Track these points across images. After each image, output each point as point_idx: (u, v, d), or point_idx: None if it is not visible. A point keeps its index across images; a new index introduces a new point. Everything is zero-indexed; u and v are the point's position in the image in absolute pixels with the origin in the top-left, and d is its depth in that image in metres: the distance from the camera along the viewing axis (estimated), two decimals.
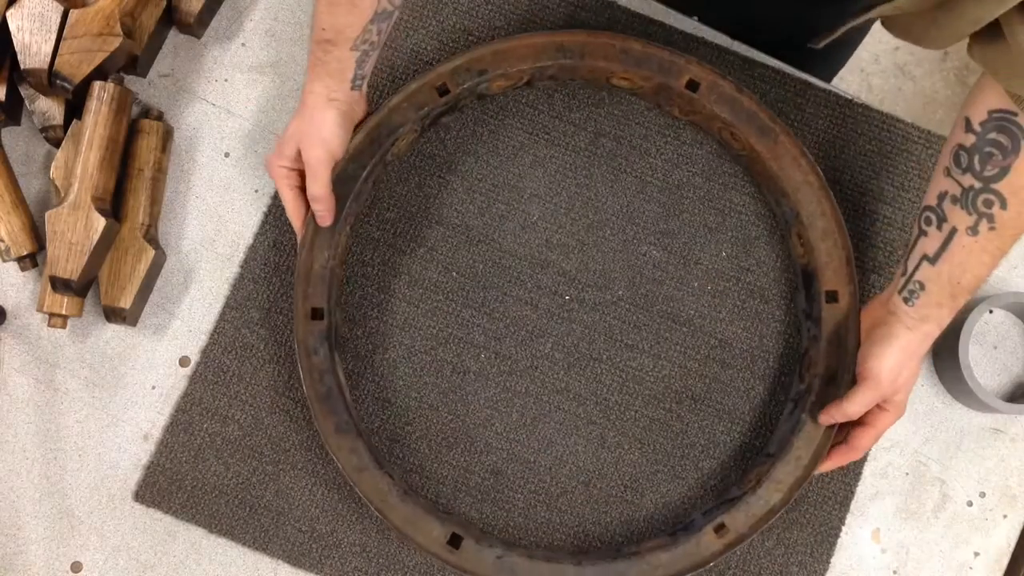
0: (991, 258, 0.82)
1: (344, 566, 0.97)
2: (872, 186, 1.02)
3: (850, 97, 1.03)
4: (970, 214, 0.79)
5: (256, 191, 1.01)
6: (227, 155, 1.02)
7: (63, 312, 0.94)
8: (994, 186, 0.77)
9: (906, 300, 0.87)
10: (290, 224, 0.99)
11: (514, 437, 0.99)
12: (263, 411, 0.98)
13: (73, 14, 0.93)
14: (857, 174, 1.02)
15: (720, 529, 0.93)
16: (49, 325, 0.95)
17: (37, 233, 0.98)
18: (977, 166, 0.78)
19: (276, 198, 1.01)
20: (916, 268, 0.85)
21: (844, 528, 0.99)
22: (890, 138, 1.03)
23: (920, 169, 1.03)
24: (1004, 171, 0.76)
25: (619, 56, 0.96)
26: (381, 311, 1.01)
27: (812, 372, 0.95)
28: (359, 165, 0.95)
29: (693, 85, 0.96)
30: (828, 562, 0.99)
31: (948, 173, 0.81)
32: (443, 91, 0.95)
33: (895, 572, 1.00)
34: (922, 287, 0.85)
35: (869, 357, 0.90)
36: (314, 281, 0.93)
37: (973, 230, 0.80)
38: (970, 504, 1.00)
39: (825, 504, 0.99)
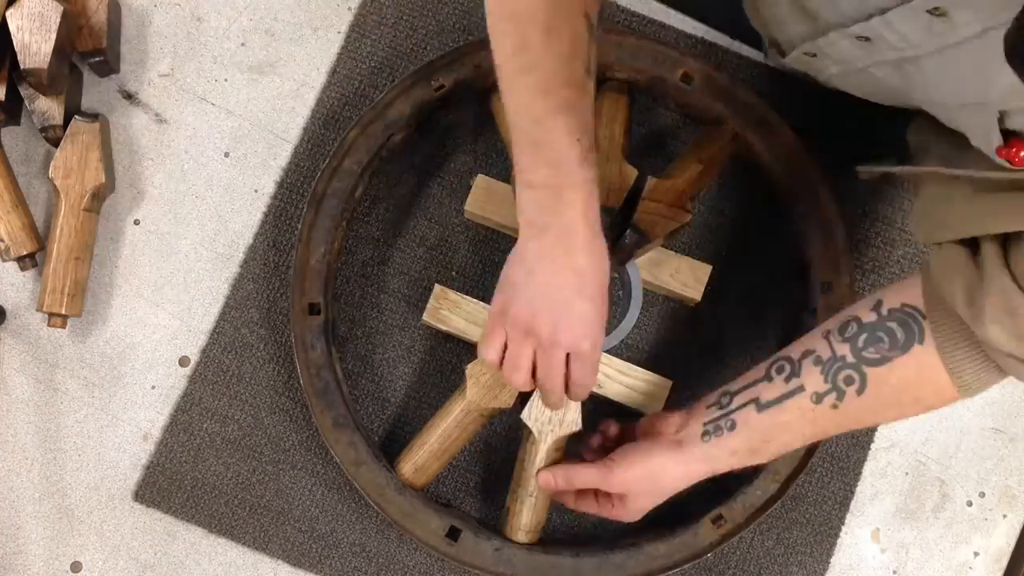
0: (811, 433, 0.79)
1: (344, 566, 0.97)
2: (872, 186, 1.02)
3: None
4: (826, 382, 0.76)
5: (256, 191, 1.01)
6: (227, 155, 1.02)
7: (62, 312, 0.94)
8: (865, 368, 0.74)
9: (705, 435, 0.81)
10: (290, 223, 0.99)
11: (513, 436, 0.99)
12: (263, 411, 0.98)
13: (652, 182, 0.90)
14: (857, 174, 1.02)
15: (717, 520, 0.93)
16: (49, 325, 0.95)
17: (37, 233, 0.98)
18: (860, 343, 0.74)
19: (276, 198, 1.01)
20: (739, 408, 0.80)
21: (844, 528, 0.99)
22: None
23: None
24: (882, 361, 0.73)
25: (614, 49, 0.96)
26: (379, 310, 1.01)
27: None
28: (355, 161, 0.95)
29: (688, 78, 0.96)
30: (828, 562, 0.99)
31: (826, 336, 0.77)
32: (438, 86, 0.95)
33: (895, 572, 1.00)
34: (732, 427, 0.80)
35: (620, 456, 0.83)
36: (311, 276, 0.94)
37: (818, 398, 0.76)
38: (970, 504, 1.00)
39: (825, 504, 0.99)
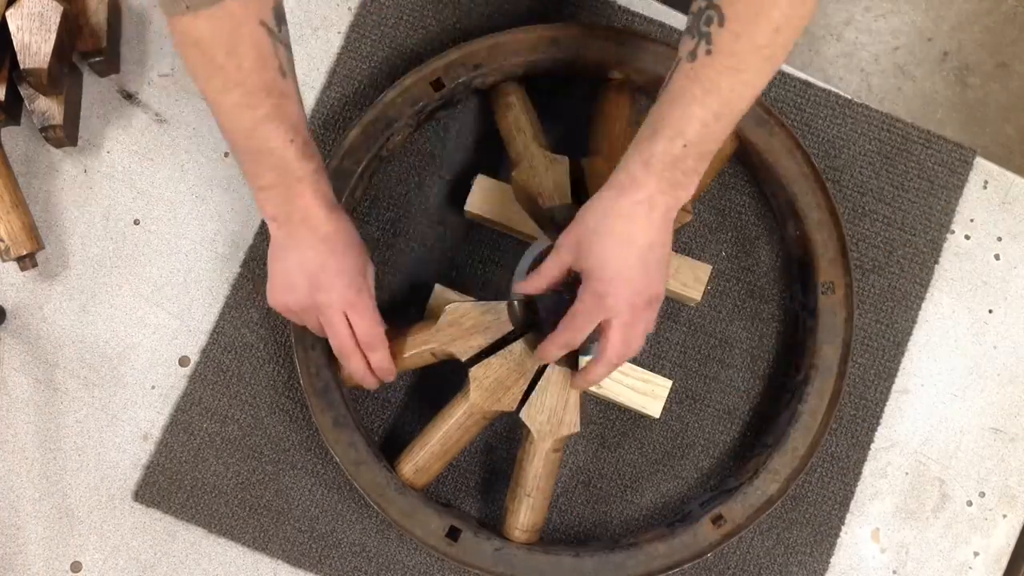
0: (703, 92, 0.73)
1: (344, 565, 0.97)
2: (872, 186, 1.02)
3: (850, 97, 1.03)
4: (692, 37, 0.73)
5: None
6: (227, 155, 1.02)
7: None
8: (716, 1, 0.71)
9: (640, 162, 0.77)
10: None
11: (513, 436, 0.99)
12: (263, 411, 0.98)
13: None
14: (857, 174, 1.02)
15: (718, 520, 0.93)
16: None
17: (37, 233, 0.98)
18: None
19: None
20: (647, 119, 0.78)
21: (844, 528, 0.99)
22: (890, 138, 1.03)
23: (920, 169, 1.03)
24: None
25: (613, 49, 0.97)
26: (380, 310, 1.00)
27: (809, 363, 0.95)
28: (354, 161, 0.95)
29: None
30: (828, 562, 0.99)
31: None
32: (438, 85, 0.95)
33: (895, 572, 1.00)
34: (651, 135, 0.76)
35: (576, 227, 0.81)
36: None
37: (691, 55, 0.73)
38: (970, 504, 1.00)
39: (825, 504, 0.99)
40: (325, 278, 0.83)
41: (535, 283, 0.85)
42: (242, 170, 0.81)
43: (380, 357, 0.88)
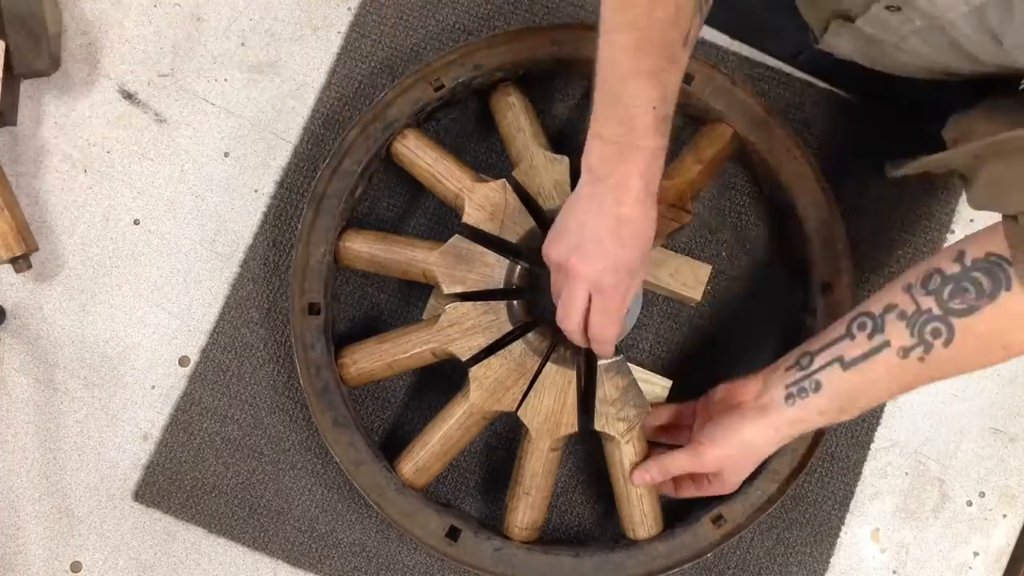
0: (899, 388, 0.78)
1: (344, 566, 0.97)
2: (872, 186, 1.02)
3: (850, 97, 1.03)
4: (912, 336, 0.75)
5: (256, 191, 1.01)
6: (227, 155, 1.02)
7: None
8: (953, 320, 0.73)
9: (789, 398, 0.81)
10: (289, 223, 0.99)
11: (513, 436, 0.99)
12: (263, 411, 0.98)
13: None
14: (857, 174, 1.02)
15: (717, 520, 0.93)
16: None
17: (29, 234, 0.97)
18: (946, 295, 0.73)
19: (275, 198, 1.01)
20: (822, 368, 0.80)
21: (844, 528, 0.99)
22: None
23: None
24: (970, 311, 0.73)
25: None
26: (379, 310, 1.01)
27: None
28: (354, 161, 0.95)
29: (688, 78, 0.96)
30: (828, 562, 0.99)
31: (908, 290, 0.76)
32: (438, 86, 0.95)
33: (895, 572, 1.00)
34: (817, 388, 0.79)
35: (707, 437, 0.84)
36: (311, 276, 0.93)
37: (905, 353, 0.75)
38: (970, 504, 1.00)
39: (825, 504, 0.99)
40: (593, 251, 0.80)
41: (654, 476, 0.89)
42: (593, 112, 0.77)
43: (599, 347, 0.87)
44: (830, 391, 0.79)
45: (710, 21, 1.02)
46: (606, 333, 0.84)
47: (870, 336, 0.78)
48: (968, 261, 0.74)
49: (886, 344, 0.76)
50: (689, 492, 0.90)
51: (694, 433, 0.87)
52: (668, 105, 0.76)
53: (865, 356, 0.77)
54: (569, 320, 0.84)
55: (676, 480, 0.91)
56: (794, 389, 0.81)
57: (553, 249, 0.83)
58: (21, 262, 0.96)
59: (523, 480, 0.91)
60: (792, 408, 0.81)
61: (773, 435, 0.82)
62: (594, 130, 0.78)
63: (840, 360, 0.79)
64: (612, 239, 0.79)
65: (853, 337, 0.79)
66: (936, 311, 0.74)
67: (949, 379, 0.77)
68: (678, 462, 0.86)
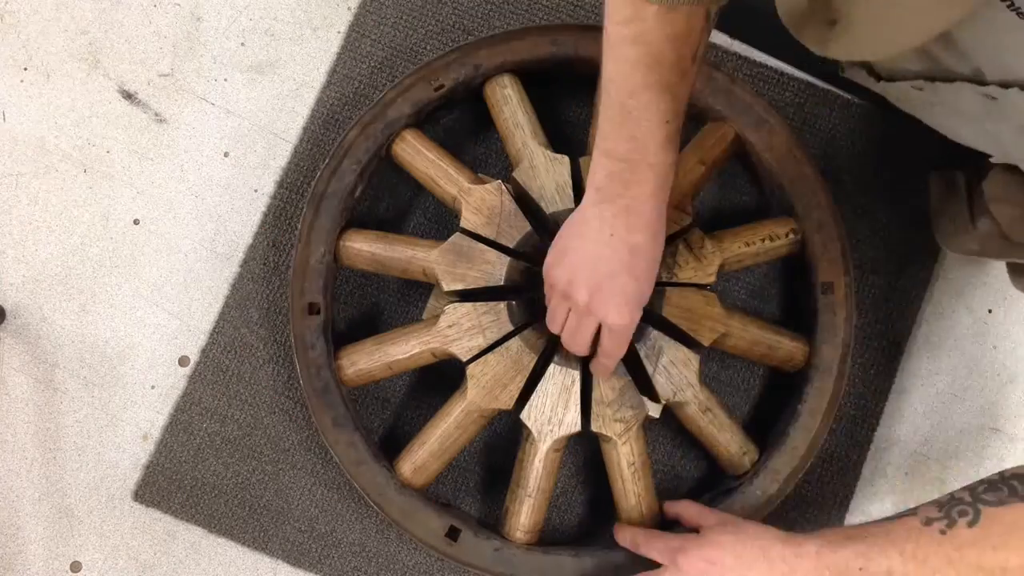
0: (911, 553, 0.73)
1: (343, 565, 0.97)
2: (872, 186, 1.02)
3: (850, 97, 1.03)
4: (939, 511, 0.74)
5: (256, 191, 1.01)
6: (227, 155, 1.02)
7: None
8: (980, 505, 0.72)
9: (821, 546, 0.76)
10: (289, 223, 0.99)
11: (513, 436, 0.99)
12: (262, 411, 0.98)
13: None
14: (857, 174, 1.02)
15: None
16: None
17: None
18: (980, 489, 0.73)
19: (275, 197, 1.01)
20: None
21: None
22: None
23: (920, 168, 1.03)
24: (999, 503, 0.71)
25: None
26: (379, 309, 1.01)
27: (809, 363, 0.95)
28: (355, 161, 0.95)
29: None
30: None
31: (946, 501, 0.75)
32: (438, 86, 0.95)
33: None
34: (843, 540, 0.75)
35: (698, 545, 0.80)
36: (310, 276, 0.94)
37: (928, 522, 0.74)
38: None
39: (825, 504, 0.99)
40: (608, 290, 0.78)
41: (626, 541, 0.88)
42: (600, 125, 0.75)
43: (603, 369, 0.86)
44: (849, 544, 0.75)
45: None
46: (615, 356, 0.84)
47: (904, 512, 0.76)
48: (1008, 474, 0.73)
49: (912, 512, 0.75)
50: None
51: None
52: (678, 121, 0.74)
53: (892, 516, 0.76)
54: (577, 347, 0.84)
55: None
56: (828, 560, 0.75)
57: (557, 273, 0.81)
58: None
59: (526, 483, 0.90)
60: (818, 553, 0.75)
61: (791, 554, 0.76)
62: (602, 147, 0.75)
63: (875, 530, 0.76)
64: (626, 274, 0.77)
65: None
66: (967, 498, 0.73)
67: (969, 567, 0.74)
68: (656, 548, 0.83)
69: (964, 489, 0.74)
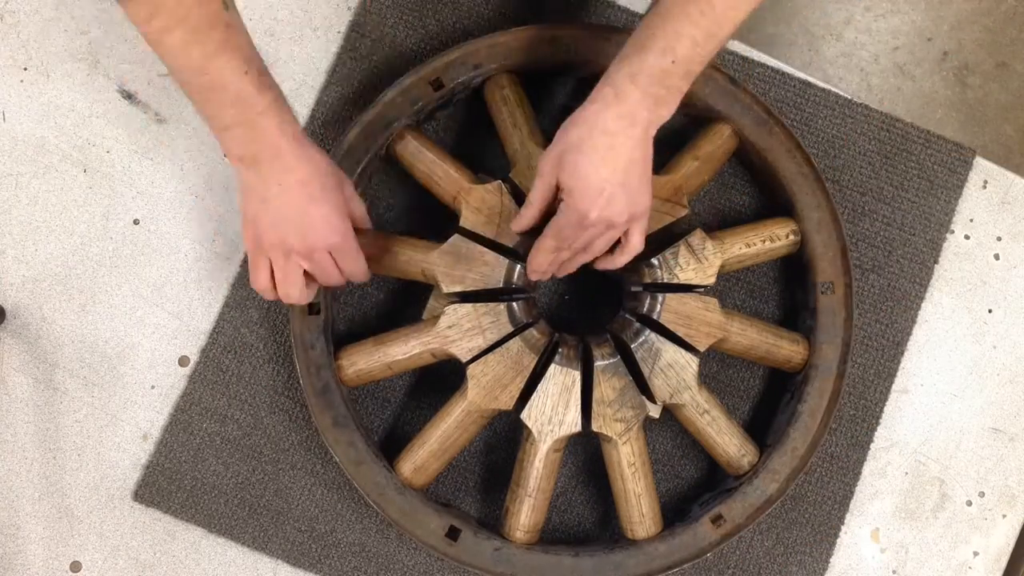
0: (698, 12, 0.75)
1: (343, 565, 0.97)
2: (872, 186, 1.02)
3: (850, 97, 1.03)
4: None
5: None
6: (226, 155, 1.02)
7: None
8: None
9: (628, 75, 0.77)
10: None
11: (513, 436, 0.99)
12: (262, 411, 0.98)
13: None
14: (857, 174, 1.02)
15: (717, 520, 0.93)
16: None
17: None
18: None
19: None
20: (638, 28, 0.79)
21: (843, 528, 0.99)
22: (890, 138, 1.03)
23: (920, 169, 1.03)
24: None
25: (613, 49, 0.96)
26: (379, 309, 1.01)
27: (809, 363, 0.95)
28: (354, 161, 0.95)
29: None
30: (827, 561, 0.99)
31: None
32: (438, 85, 0.95)
33: (894, 572, 1.00)
34: (640, 43, 0.77)
35: (557, 141, 0.81)
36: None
37: None
38: (969, 504, 1.00)
39: (824, 504, 0.99)
40: (308, 225, 0.81)
41: (527, 215, 0.85)
42: (201, 114, 0.78)
43: (360, 276, 0.87)
44: (656, 44, 0.76)
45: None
46: (359, 271, 0.86)
47: None
48: None
49: None
50: (572, 257, 0.86)
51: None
52: (254, 62, 0.76)
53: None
54: (333, 282, 0.86)
55: (554, 245, 0.85)
56: (619, 65, 0.78)
57: (267, 238, 0.83)
58: None
59: (526, 483, 0.90)
60: (631, 82, 0.77)
61: (627, 118, 0.78)
62: (215, 127, 0.78)
63: (650, 16, 0.77)
64: (311, 204, 0.80)
65: None
66: None
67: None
68: (536, 190, 0.83)
69: None
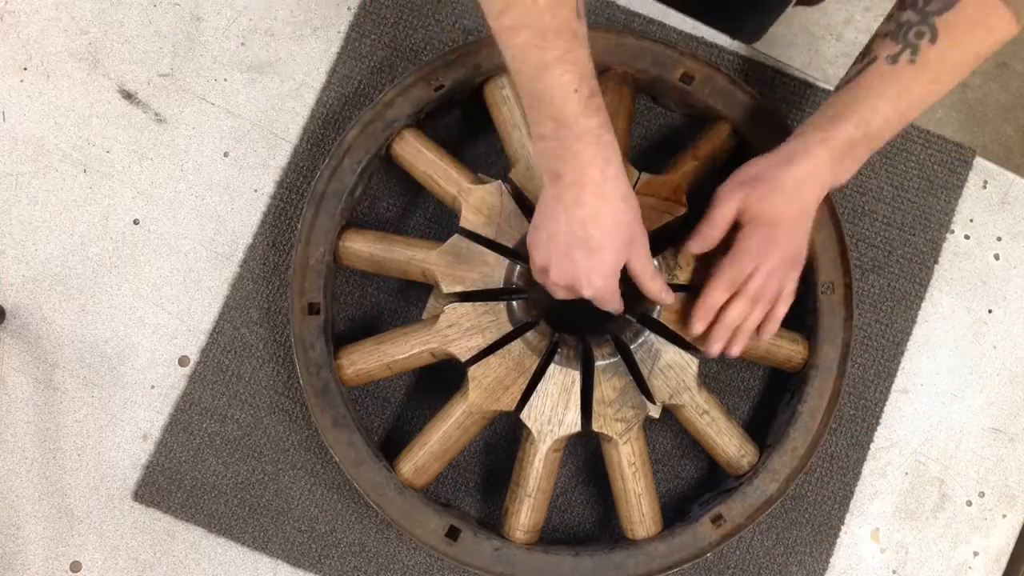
0: (896, 94, 0.80)
1: (343, 565, 0.97)
2: (872, 186, 1.02)
3: None
4: (896, 43, 0.79)
5: (255, 191, 1.01)
6: (226, 155, 1.02)
7: None
8: (932, 19, 0.77)
9: (822, 140, 0.82)
10: (289, 223, 0.99)
11: (513, 436, 0.99)
12: (262, 411, 0.98)
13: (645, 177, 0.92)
14: (856, 173, 1.02)
15: (717, 520, 0.93)
16: None
17: None
18: (921, 3, 0.78)
19: (275, 197, 1.01)
20: (832, 101, 0.83)
21: (843, 528, 0.99)
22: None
23: (919, 169, 1.03)
24: (947, 6, 0.77)
25: (614, 49, 0.97)
26: (379, 309, 1.01)
27: (808, 363, 0.95)
28: (354, 161, 0.95)
29: (687, 78, 0.97)
30: (827, 561, 0.99)
31: (889, 19, 0.81)
32: (438, 86, 0.95)
33: (894, 572, 1.00)
34: (834, 120, 0.81)
35: (753, 184, 0.84)
36: (310, 276, 0.94)
37: (893, 59, 0.79)
38: (969, 504, 1.00)
39: (824, 503, 0.99)
40: (571, 265, 0.81)
41: (708, 235, 0.86)
42: (527, 117, 0.78)
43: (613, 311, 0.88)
44: (824, 109, 0.82)
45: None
46: (615, 307, 0.86)
47: (860, 61, 0.82)
48: None
49: (873, 59, 0.80)
50: (758, 314, 0.87)
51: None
52: (588, 82, 0.75)
53: (857, 74, 0.81)
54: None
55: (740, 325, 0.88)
56: (813, 129, 0.82)
57: (536, 256, 0.84)
58: None
59: (526, 483, 0.91)
60: (822, 144, 0.81)
61: (814, 175, 0.82)
62: (534, 133, 0.78)
63: (837, 89, 0.83)
64: (581, 248, 0.80)
65: (848, 74, 0.83)
66: (915, 18, 0.78)
67: (949, 88, 0.80)
68: (717, 214, 0.85)
69: (902, 10, 0.79)
